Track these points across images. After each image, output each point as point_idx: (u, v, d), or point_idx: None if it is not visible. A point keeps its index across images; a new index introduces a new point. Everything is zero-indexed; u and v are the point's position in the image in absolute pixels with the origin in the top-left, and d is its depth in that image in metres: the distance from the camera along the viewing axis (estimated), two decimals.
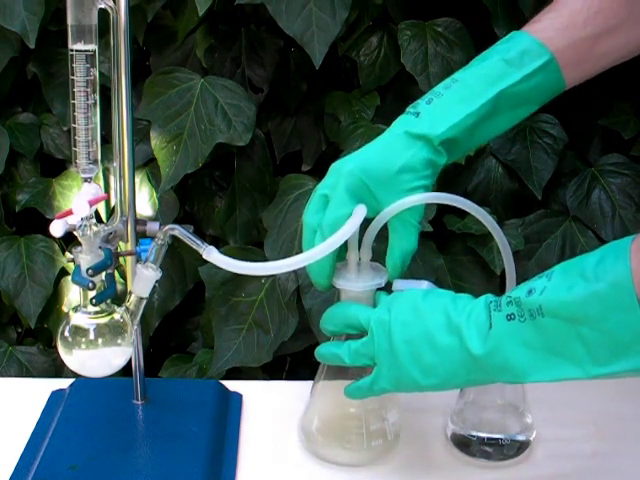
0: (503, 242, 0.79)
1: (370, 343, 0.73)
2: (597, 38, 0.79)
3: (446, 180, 1.43)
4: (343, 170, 0.77)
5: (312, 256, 0.74)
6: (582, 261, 0.63)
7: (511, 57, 0.78)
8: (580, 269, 0.62)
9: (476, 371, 0.67)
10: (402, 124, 0.79)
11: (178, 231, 0.75)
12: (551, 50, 0.78)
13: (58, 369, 1.49)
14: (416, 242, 0.79)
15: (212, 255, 0.74)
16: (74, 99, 0.73)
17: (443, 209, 1.41)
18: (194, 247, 0.74)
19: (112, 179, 0.81)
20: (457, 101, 0.78)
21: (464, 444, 0.85)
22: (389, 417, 0.84)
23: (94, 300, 0.74)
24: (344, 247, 0.78)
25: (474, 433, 0.84)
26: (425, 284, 0.77)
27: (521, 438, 0.85)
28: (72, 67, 0.72)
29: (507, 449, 0.84)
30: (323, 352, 0.78)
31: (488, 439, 0.84)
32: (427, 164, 0.77)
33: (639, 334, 0.58)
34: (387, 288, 0.80)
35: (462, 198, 0.78)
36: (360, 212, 0.76)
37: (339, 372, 0.81)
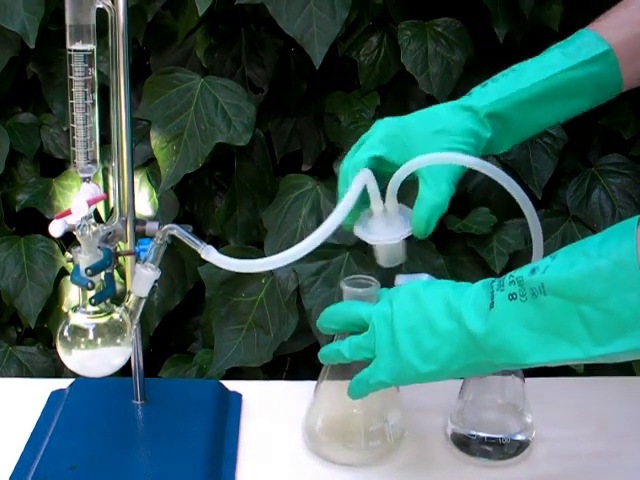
0: (534, 222, 0.78)
1: (371, 336, 0.73)
2: None
3: None
4: (383, 121, 0.79)
5: (306, 247, 0.74)
6: (587, 241, 0.63)
7: (570, 49, 0.80)
8: (584, 248, 0.62)
9: (475, 353, 0.67)
10: (453, 102, 0.80)
11: (177, 231, 0.75)
12: (609, 43, 0.79)
13: (58, 369, 1.49)
14: (446, 199, 0.77)
15: (211, 255, 0.74)
16: (73, 99, 0.73)
17: None
18: (193, 247, 0.74)
19: (111, 179, 0.81)
20: (510, 82, 0.79)
21: (464, 443, 0.85)
22: (391, 418, 0.84)
23: (93, 300, 0.74)
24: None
25: (474, 432, 0.84)
26: (425, 276, 0.77)
27: (521, 438, 0.85)
28: (70, 67, 0.72)
29: (507, 448, 0.84)
30: (324, 351, 0.78)
31: (488, 438, 0.84)
32: (469, 133, 0.77)
33: None
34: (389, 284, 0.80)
35: (494, 167, 0.76)
36: (357, 182, 0.76)
37: (342, 372, 0.81)
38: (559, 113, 0.81)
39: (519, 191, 0.77)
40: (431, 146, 0.76)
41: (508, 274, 0.66)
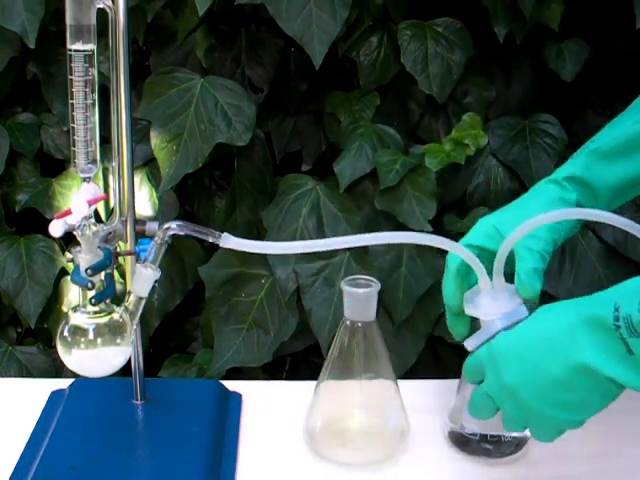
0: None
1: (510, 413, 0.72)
2: None
3: (446, 180, 1.43)
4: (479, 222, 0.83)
5: (330, 243, 0.74)
6: None
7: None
8: None
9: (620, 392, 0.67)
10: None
11: (184, 226, 0.75)
12: None
13: (58, 369, 1.49)
14: (540, 262, 0.78)
15: (230, 241, 0.74)
16: (73, 99, 0.73)
17: (443, 209, 1.41)
18: (204, 238, 0.74)
19: (111, 179, 0.81)
20: (585, 147, 0.84)
21: (462, 442, 0.85)
22: (391, 418, 0.84)
23: (93, 300, 0.74)
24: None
25: (471, 431, 0.84)
26: (522, 311, 0.75)
27: (518, 435, 0.85)
28: (71, 67, 0.72)
29: (505, 446, 0.84)
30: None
31: (485, 436, 0.84)
32: (553, 200, 0.81)
33: None
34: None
35: (581, 210, 0.78)
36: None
37: (343, 372, 0.81)
38: (639, 165, 0.82)
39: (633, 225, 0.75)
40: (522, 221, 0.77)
41: (629, 315, 0.63)
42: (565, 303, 0.70)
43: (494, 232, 0.80)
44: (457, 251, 0.76)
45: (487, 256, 0.78)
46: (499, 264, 0.76)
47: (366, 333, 0.83)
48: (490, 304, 0.76)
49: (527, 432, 0.84)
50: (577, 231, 0.84)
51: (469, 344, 0.76)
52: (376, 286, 0.80)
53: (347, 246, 0.76)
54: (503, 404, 0.71)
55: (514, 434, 0.84)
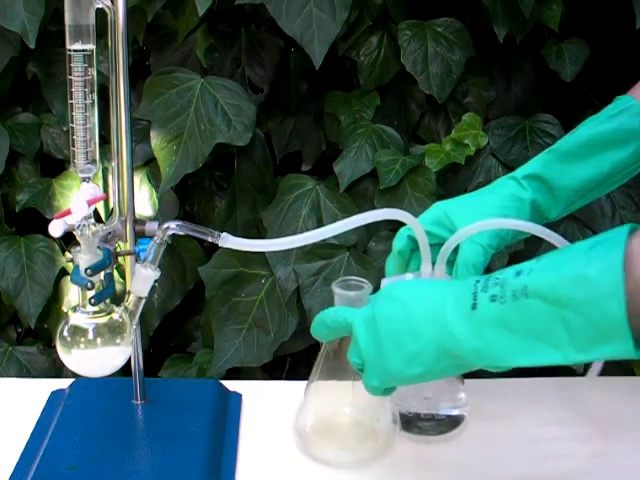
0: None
1: (355, 342, 0.72)
2: None
3: (446, 180, 1.43)
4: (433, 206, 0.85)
5: (329, 230, 0.76)
6: (574, 246, 0.62)
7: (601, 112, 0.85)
8: (571, 253, 0.61)
9: (459, 356, 0.66)
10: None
11: (182, 226, 0.75)
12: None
13: (58, 369, 1.49)
14: (481, 256, 0.81)
15: (229, 240, 0.75)
16: (72, 99, 0.73)
17: None
18: (203, 238, 0.75)
19: (111, 179, 0.81)
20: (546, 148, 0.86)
21: (406, 422, 0.86)
22: (383, 417, 0.84)
23: (93, 300, 0.74)
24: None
25: (412, 410, 0.86)
26: (410, 276, 0.78)
27: (456, 413, 0.87)
28: (70, 67, 0.73)
29: (443, 424, 0.86)
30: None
31: (425, 415, 0.86)
32: (508, 197, 0.83)
33: (622, 322, 0.57)
34: None
35: (533, 225, 0.79)
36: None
37: (333, 372, 0.81)
38: (598, 167, 0.84)
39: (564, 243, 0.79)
40: (474, 216, 0.80)
41: (494, 275, 0.65)
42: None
43: (444, 218, 0.83)
44: (415, 228, 0.79)
45: (431, 239, 0.81)
46: (443, 254, 0.80)
47: None
48: None
49: (463, 410, 0.87)
50: (527, 235, 0.85)
51: None
52: (368, 288, 0.79)
53: (333, 234, 0.77)
54: (358, 329, 0.72)
55: (452, 412, 0.86)
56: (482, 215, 0.80)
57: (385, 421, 0.84)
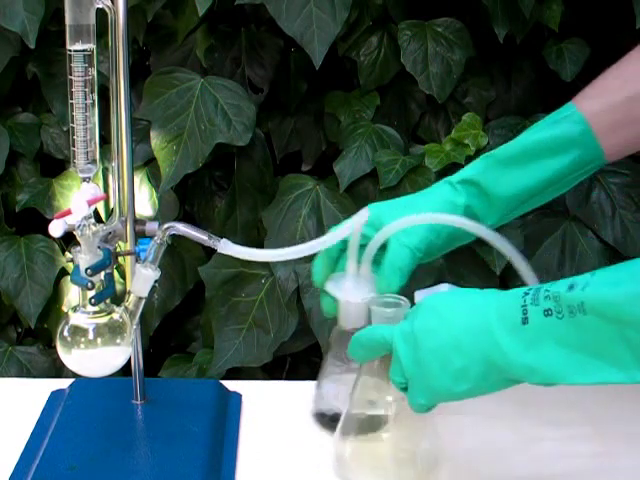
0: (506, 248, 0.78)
1: (397, 361, 0.70)
2: (632, 102, 0.81)
3: None
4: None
5: (321, 242, 0.77)
6: (633, 263, 0.60)
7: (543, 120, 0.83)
8: (630, 269, 0.59)
9: (509, 371, 0.64)
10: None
11: (182, 228, 0.75)
12: (585, 114, 0.80)
13: (58, 369, 1.49)
14: (408, 259, 0.79)
15: (229, 247, 0.76)
16: (72, 99, 0.73)
17: None
18: (201, 242, 0.75)
19: (111, 179, 0.81)
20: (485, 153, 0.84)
21: (334, 422, 0.84)
22: (422, 443, 0.80)
23: (93, 300, 0.74)
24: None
25: (334, 409, 0.85)
26: (445, 287, 0.75)
27: (381, 413, 0.83)
28: (70, 67, 0.73)
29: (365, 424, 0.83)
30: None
31: (338, 414, 0.83)
32: (443, 202, 0.81)
33: None
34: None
35: (462, 219, 0.78)
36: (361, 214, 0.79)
37: (371, 390, 0.79)
38: (537, 175, 0.82)
39: (504, 243, 0.77)
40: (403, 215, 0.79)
41: (542, 287, 0.62)
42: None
43: (374, 220, 0.81)
44: (343, 229, 0.79)
45: (360, 240, 0.80)
46: (369, 253, 0.79)
47: None
48: (350, 288, 0.80)
49: (388, 410, 0.82)
50: (463, 242, 0.84)
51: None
52: (405, 305, 0.77)
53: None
54: (399, 346, 0.70)
55: (374, 413, 0.83)
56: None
57: (425, 446, 0.80)
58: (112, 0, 0.74)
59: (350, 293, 0.80)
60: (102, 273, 0.75)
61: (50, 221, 0.73)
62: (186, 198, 1.52)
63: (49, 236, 0.77)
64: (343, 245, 0.82)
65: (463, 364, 0.66)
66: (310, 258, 0.82)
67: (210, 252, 1.42)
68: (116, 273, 0.82)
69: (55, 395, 0.93)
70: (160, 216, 1.45)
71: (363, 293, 0.80)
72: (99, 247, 0.75)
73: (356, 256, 0.80)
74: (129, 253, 0.80)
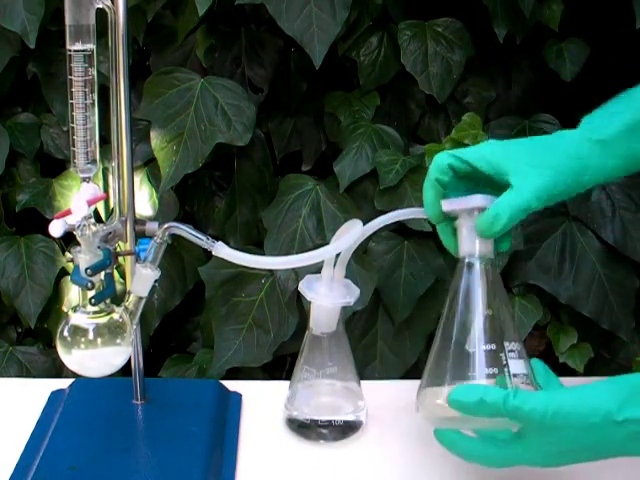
0: None
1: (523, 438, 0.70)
2: None
3: None
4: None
5: (315, 256, 0.77)
6: None
7: None
8: None
9: None
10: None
11: (180, 229, 0.75)
12: None
13: (58, 369, 1.49)
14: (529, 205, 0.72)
15: (223, 251, 0.75)
16: (72, 99, 0.73)
17: None
18: (198, 243, 0.75)
19: (111, 179, 0.81)
20: (619, 106, 0.80)
21: (304, 428, 0.86)
22: None
23: (93, 300, 0.74)
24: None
25: (309, 417, 0.86)
26: (478, 198, 0.71)
27: (352, 418, 0.86)
28: (70, 67, 0.72)
29: (340, 430, 0.85)
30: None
31: (317, 421, 0.85)
32: (572, 155, 0.74)
33: None
34: None
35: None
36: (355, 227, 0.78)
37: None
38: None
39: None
40: (533, 162, 0.73)
41: None
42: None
43: (489, 157, 0.74)
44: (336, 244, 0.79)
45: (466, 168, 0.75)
46: (342, 259, 0.81)
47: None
48: (324, 292, 0.82)
49: (360, 415, 0.86)
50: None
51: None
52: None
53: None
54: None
55: (349, 418, 0.86)
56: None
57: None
58: (112, 0, 0.74)
59: (323, 297, 0.82)
60: (102, 273, 0.75)
61: (50, 221, 0.73)
62: (186, 198, 1.52)
63: (49, 236, 0.77)
64: (454, 174, 0.75)
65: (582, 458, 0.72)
66: None
67: (210, 252, 1.42)
68: (116, 273, 0.82)
69: (55, 395, 0.93)
70: (160, 216, 1.45)
71: (336, 298, 0.82)
72: (99, 247, 0.75)
73: (332, 262, 0.81)
74: (129, 253, 0.80)
